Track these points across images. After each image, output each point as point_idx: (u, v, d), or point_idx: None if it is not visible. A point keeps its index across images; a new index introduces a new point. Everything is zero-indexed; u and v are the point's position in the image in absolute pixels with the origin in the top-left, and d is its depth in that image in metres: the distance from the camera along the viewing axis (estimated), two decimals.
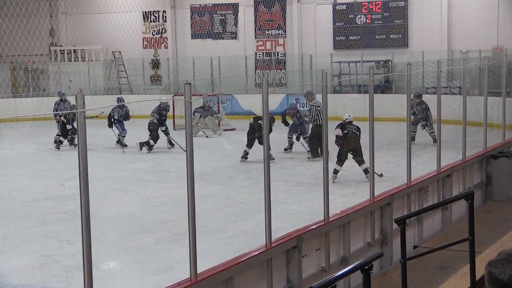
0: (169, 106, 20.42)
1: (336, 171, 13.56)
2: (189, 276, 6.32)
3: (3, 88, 31.04)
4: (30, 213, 12.59)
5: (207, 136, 21.15)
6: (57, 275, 9.05)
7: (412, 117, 16.53)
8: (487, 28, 25.31)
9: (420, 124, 18.02)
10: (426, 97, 18.53)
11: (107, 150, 19.10)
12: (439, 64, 12.78)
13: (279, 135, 17.26)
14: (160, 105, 19.48)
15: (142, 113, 25.06)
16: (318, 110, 16.07)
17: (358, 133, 13.72)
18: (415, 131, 17.51)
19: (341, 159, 13.70)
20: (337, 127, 13.71)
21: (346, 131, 13.70)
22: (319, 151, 15.64)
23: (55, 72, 32.32)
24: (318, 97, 19.70)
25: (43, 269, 9.33)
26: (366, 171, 12.94)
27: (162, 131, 19.21)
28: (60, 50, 32.73)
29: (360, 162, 13.45)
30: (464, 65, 13.13)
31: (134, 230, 11.18)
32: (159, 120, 19.20)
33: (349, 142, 13.61)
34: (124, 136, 19.48)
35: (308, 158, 16.30)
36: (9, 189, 14.59)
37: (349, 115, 14.21)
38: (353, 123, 14.01)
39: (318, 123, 15.94)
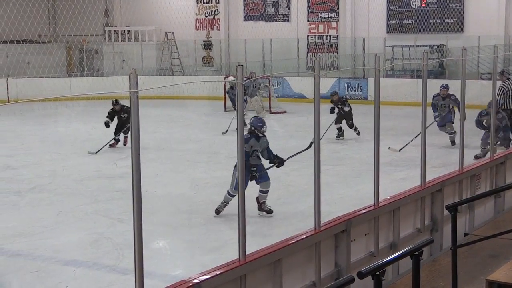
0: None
1: None
2: (238, 257, 6.35)
3: (59, 67, 31.57)
4: (82, 191, 12.80)
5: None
6: (108, 252, 9.19)
7: (434, 115, 15.66)
8: None
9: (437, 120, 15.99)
10: (481, 83, 18.22)
11: (157, 130, 19.26)
12: (495, 49, 12.56)
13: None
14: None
15: (193, 94, 25.28)
16: (506, 93, 15.26)
17: None
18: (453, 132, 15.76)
19: None
20: None
21: None
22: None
23: (109, 52, 32.72)
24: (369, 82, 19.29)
25: (94, 246, 9.49)
26: None
27: None
28: (114, 31, 33.09)
29: None
30: None
31: (184, 210, 11.28)
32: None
33: None
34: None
35: (496, 145, 14.00)
36: (63, 166, 14.87)
37: None
38: None
39: (505, 107, 15.21)
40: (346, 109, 17.39)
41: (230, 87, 19.99)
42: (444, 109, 15.71)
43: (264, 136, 10.39)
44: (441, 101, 15.73)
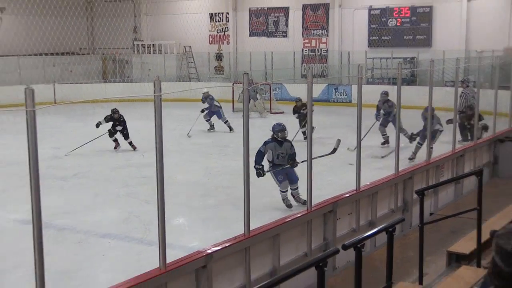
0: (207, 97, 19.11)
1: None
2: (243, 232, 6.40)
3: (96, 74, 31.66)
4: (116, 177, 12.86)
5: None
6: (137, 227, 9.24)
7: (380, 118, 15.23)
8: (500, 31, 24.75)
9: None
10: (445, 90, 18.15)
11: (177, 127, 19.28)
12: (457, 61, 12.57)
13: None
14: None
15: None
16: (469, 97, 14.78)
17: None
18: (386, 134, 15.41)
19: None
20: None
21: None
22: (468, 135, 14.37)
23: (137, 63, 32.72)
24: (352, 87, 19.18)
25: (125, 223, 9.55)
26: None
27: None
28: (142, 44, 33.09)
29: None
30: (478, 62, 12.88)
31: (199, 193, 11.32)
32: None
33: None
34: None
35: (459, 141, 13.53)
36: (100, 157, 14.93)
37: None
38: None
39: (466, 110, 14.77)
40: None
41: (203, 97, 19.14)
42: (388, 111, 15.21)
43: (287, 140, 9.98)
44: (381, 105, 15.51)
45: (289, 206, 9.81)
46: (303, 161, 9.74)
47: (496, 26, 25.02)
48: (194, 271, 5.78)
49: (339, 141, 10.85)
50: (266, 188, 10.36)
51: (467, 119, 14.70)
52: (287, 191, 9.94)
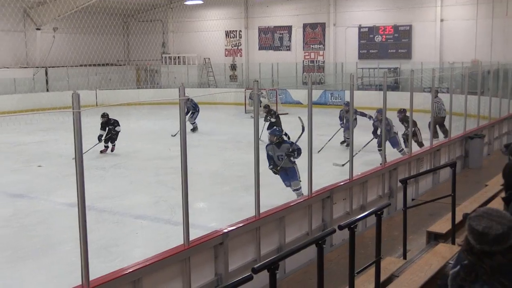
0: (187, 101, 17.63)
1: None
2: (255, 214, 6.34)
3: (130, 82, 31.68)
4: (147, 167, 12.83)
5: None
6: (165, 210, 9.21)
7: (344, 125, 14.84)
8: (468, 46, 24.65)
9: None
10: (423, 95, 17.98)
11: (198, 125, 19.24)
12: (433, 71, 12.47)
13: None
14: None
15: (223, 101, 25.25)
16: (440, 105, 14.59)
17: None
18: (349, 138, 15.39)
19: None
20: None
21: None
22: (437, 134, 14.23)
23: (165, 72, 32.72)
24: (344, 94, 19.20)
25: (155, 206, 9.52)
26: None
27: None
28: (169, 57, 33.06)
29: None
30: (451, 72, 12.74)
31: (217, 181, 11.28)
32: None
33: None
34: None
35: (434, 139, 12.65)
36: (134, 150, 14.89)
37: None
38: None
39: (439, 115, 14.44)
40: (272, 120, 15.56)
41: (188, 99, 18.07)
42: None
43: (285, 142, 9.41)
44: (345, 114, 15.05)
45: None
46: (297, 139, 9.37)
47: (465, 42, 24.92)
48: (213, 247, 5.72)
49: (300, 118, 10.34)
50: (274, 178, 10.29)
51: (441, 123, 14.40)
52: (297, 188, 9.56)
